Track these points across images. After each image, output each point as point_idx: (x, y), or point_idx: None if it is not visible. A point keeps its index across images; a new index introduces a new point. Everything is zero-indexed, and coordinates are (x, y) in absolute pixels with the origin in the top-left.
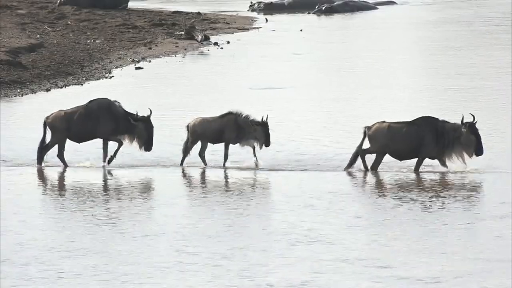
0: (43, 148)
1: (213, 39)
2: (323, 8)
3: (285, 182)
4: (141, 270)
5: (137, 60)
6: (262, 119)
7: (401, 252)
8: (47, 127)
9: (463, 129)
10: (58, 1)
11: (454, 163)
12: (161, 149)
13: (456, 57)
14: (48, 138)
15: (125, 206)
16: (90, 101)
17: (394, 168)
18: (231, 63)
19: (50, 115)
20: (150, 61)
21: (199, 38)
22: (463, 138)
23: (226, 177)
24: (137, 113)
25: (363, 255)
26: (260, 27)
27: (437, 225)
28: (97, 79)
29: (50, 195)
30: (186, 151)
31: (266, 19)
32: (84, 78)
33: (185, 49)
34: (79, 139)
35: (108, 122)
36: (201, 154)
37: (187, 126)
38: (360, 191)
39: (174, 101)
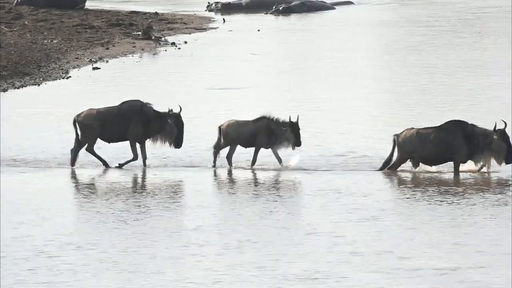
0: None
1: (170, 39)
2: (281, 8)
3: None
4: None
5: (94, 60)
6: (290, 119)
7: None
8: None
9: (494, 136)
10: (15, 1)
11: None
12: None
13: (412, 55)
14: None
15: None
16: (123, 103)
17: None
18: (189, 63)
19: (81, 113)
20: (107, 61)
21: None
22: (494, 145)
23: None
24: (169, 110)
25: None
26: (218, 27)
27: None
28: (54, 79)
29: (92, 197)
30: (217, 152)
31: (224, 19)
32: (41, 78)
33: (143, 49)
34: (109, 139)
35: (139, 125)
36: (229, 156)
37: (219, 128)
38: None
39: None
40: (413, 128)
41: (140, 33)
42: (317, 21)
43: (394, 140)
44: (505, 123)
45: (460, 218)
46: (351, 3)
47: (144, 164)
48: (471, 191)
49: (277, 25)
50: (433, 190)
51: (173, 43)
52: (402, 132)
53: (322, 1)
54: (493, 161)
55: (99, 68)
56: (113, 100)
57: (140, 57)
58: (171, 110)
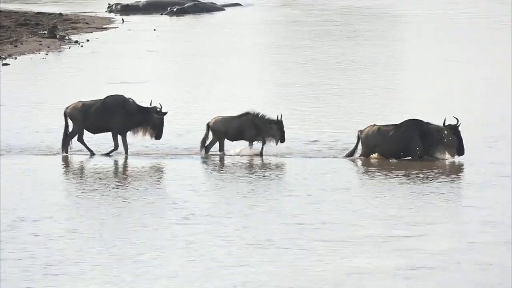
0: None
1: (74, 37)
2: (175, 9)
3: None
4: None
5: (3, 57)
6: (277, 117)
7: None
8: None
9: (445, 131)
10: None
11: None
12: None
13: (296, 53)
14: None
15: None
16: (107, 97)
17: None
18: (90, 59)
19: (69, 105)
20: (16, 58)
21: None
22: (446, 139)
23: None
24: (151, 105)
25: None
26: (117, 27)
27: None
28: None
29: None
30: (207, 148)
31: (123, 20)
32: None
33: (48, 47)
34: (95, 130)
35: (121, 118)
36: (219, 151)
37: (207, 125)
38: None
39: (40, 94)
40: (375, 125)
41: (46, 32)
42: (208, 21)
43: (358, 136)
44: (457, 119)
45: (413, 197)
46: (239, 4)
47: (126, 152)
48: (430, 176)
49: (171, 25)
50: (394, 175)
51: (76, 41)
52: (365, 128)
53: (212, 3)
54: (447, 154)
55: (9, 64)
56: (22, 93)
57: (46, 54)
58: (158, 107)
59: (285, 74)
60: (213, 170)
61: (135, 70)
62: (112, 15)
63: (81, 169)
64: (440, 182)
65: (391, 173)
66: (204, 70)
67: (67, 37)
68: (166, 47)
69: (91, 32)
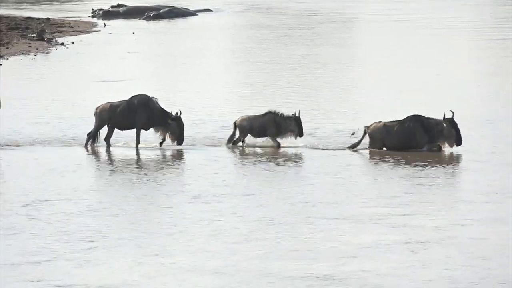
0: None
1: (60, 40)
2: (152, 15)
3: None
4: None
5: None
6: (295, 114)
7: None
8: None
9: (444, 124)
10: None
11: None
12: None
13: (261, 54)
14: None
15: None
16: (132, 96)
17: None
18: (75, 60)
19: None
20: (7, 59)
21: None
22: (445, 132)
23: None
24: (171, 113)
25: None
26: (100, 31)
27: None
28: None
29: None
30: (234, 143)
31: (105, 24)
32: None
33: (37, 49)
34: (122, 128)
35: (144, 115)
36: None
37: (234, 123)
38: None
39: (31, 91)
40: (380, 121)
41: (35, 35)
42: (182, 26)
43: (364, 131)
44: (452, 112)
45: (413, 181)
46: (210, 10)
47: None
48: (428, 163)
49: (148, 29)
50: (395, 162)
51: (62, 44)
52: (371, 124)
53: (186, 9)
54: (446, 145)
55: (1, 64)
56: (15, 90)
57: (35, 55)
58: (177, 113)
59: (253, 74)
60: (227, 159)
61: (117, 69)
62: (95, 19)
63: (100, 159)
64: (438, 168)
65: (393, 161)
66: (179, 69)
67: (54, 40)
68: (144, 48)
69: (76, 35)
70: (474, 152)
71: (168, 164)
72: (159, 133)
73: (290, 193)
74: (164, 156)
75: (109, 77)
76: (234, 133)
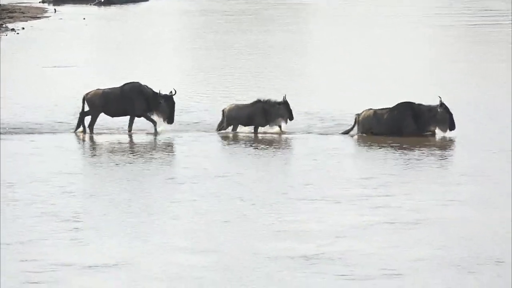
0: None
1: (10, 26)
2: (102, 0)
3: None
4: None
5: None
6: (283, 98)
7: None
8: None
9: (438, 109)
10: None
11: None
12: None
13: (216, 39)
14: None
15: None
16: (124, 84)
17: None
18: (26, 46)
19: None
20: None
21: None
22: (438, 116)
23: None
24: (160, 92)
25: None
26: (50, 16)
27: None
28: None
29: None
30: (221, 130)
31: (55, 10)
32: None
33: None
34: (113, 114)
35: (138, 102)
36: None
37: (223, 111)
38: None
39: None
40: (371, 109)
41: None
42: (133, 11)
43: (355, 119)
44: (440, 98)
45: (401, 164)
46: None
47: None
48: (415, 147)
49: (99, 15)
50: (383, 147)
51: (12, 29)
52: (362, 112)
53: None
54: (440, 130)
55: None
56: None
57: None
58: (171, 91)
59: (205, 59)
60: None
61: (67, 55)
62: (45, 5)
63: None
64: (421, 150)
65: (381, 145)
66: (130, 55)
67: (4, 25)
68: (95, 34)
69: (26, 21)
70: (460, 136)
71: (149, 148)
72: (154, 117)
73: (271, 175)
74: (147, 141)
75: (59, 62)
76: (222, 121)
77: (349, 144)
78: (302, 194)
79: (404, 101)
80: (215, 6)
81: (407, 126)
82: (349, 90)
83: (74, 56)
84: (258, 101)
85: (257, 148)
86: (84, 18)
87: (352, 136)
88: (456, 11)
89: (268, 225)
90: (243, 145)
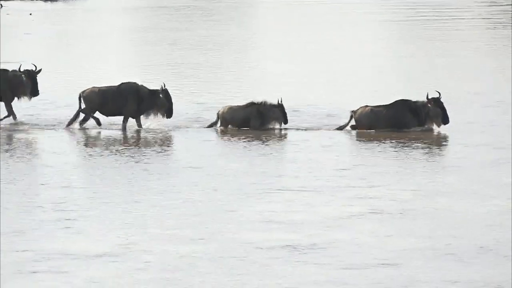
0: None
1: None
2: None
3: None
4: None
5: None
6: (278, 101)
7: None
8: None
9: (429, 104)
10: None
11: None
12: None
13: (164, 35)
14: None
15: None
16: (121, 83)
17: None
18: None
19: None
20: None
21: None
22: (431, 112)
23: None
24: (163, 87)
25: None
26: None
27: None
28: None
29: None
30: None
31: (1, 5)
32: None
33: None
34: (108, 114)
35: (134, 103)
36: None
37: (217, 113)
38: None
39: None
40: (367, 106)
41: None
42: (80, 7)
43: (351, 116)
44: (439, 93)
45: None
46: None
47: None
48: (412, 142)
49: (46, 10)
50: (373, 141)
51: None
52: (358, 109)
53: None
54: (434, 124)
55: None
56: None
57: None
58: (161, 86)
59: (153, 54)
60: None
61: (15, 51)
62: None
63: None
64: (405, 143)
65: (372, 140)
66: (77, 50)
67: None
68: (41, 30)
69: None
70: (447, 130)
71: (135, 143)
72: (151, 116)
73: (253, 167)
74: (133, 136)
75: (6, 58)
76: (216, 122)
77: (331, 139)
78: (289, 184)
79: (401, 98)
80: (164, 2)
81: (408, 123)
82: (299, 83)
83: (21, 52)
84: (253, 104)
85: (245, 142)
86: (30, 14)
87: (349, 131)
88: (394, 6)
89: (252, 215)
90: (230, 139)
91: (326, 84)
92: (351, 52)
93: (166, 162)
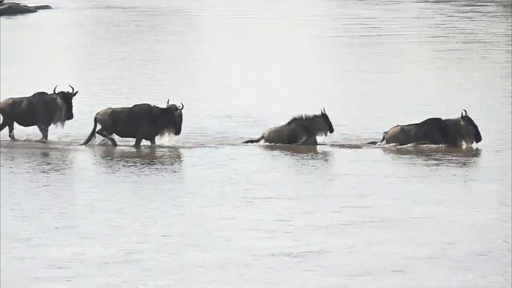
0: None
1: None
2: None
3: None
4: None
5: None
6: (321, 111)
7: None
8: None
9: (462, 122)
10: None
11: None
12: None
13: (107, 50)
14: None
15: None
16: (134, 105)
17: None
18: None
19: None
20: None
21: None
22: (463, 130)
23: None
24: (169, 106)
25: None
26: None
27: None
28: None
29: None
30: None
31: None
32: None
33: None
34: (123, 135)
35: (147, 125)
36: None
37: (263, 135)
38: None
39: None
40: (398, 125)
41: None
42: (22, 22)
43: (383, 136)
44: (465, 111)
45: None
46: (49, 7)
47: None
48: (439, 161)
49: None
50: (410, 157)
51: None
52: (390, 129)
53: (25, 5)
54: (467, 142)
55: None
56: None
57: None
58: (175, 105)
59: (95, 70)
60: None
61: None
62: None
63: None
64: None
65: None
66: (18, 67)
67: None
68: None
69: None
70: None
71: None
72: (166, 134)
73: (230, 176)
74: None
75: None
76: (257, 141)
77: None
78: (260, 193)
79: (431, 117)
80: (105, 17)
81: (438, 141)
82: (237, 98)
83: None
84: (295, 119)
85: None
86: None
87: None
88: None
89: (236, 223)
90: (230, 150)
91: (271, 93)
92: (290, 66)
93: (201, 177)
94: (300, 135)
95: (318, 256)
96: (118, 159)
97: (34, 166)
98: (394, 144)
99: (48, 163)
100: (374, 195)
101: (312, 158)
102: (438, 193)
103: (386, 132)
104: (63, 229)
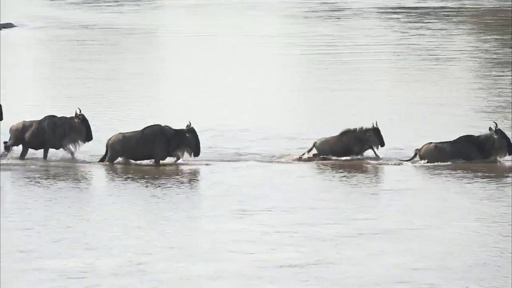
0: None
1: None
2: None
3: None
4: None
5: None
6: (373, 125)
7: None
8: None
9: (495, 136)
10: None
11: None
12: None
13: (70, 67)
14: None
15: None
16: (145, 128)
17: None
18: None
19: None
20: None
21: None
22: (496, 144)
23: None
24: (189, 125)
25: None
26: None
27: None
28: None
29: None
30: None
31: None
32: None
33: None
34: (136, 158)
35: (160, 146)
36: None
37: (314, 143)
38: None
39: None
40: (431, 142)
41: None
42: None
43: (416, 153)
44: (496, 123)
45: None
46: (13, 25)
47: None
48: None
49: None
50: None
51: None
52: (422, 146)
53: None
54: (500, 155)
55: None
56: None
57: None
58: (188, 125)
59: (59, 87)
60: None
61: None
62: None
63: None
64: (374, 167)
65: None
66: None
67: None
68: None
69: None
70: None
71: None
72: (180, 154)
73: (220, 191)
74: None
75: None
76: (308, 151)
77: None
78: (254, 205)
79: (465, 134)
80: (69, 36)
81: (474, 157)
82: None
83: None
84: (348, 131)
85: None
86: None
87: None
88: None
89: (233, 235)
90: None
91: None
92: (255, 83)
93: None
94: (356, 147)
95: (321, 267)
96: (124, 175)
97: (50, 183)
98: (427, 161)
99: (63, 180)
100: (378, 207)
101: (320, 170)
102: (473, 209)
103: (419, 150)
104: (70, 241)
